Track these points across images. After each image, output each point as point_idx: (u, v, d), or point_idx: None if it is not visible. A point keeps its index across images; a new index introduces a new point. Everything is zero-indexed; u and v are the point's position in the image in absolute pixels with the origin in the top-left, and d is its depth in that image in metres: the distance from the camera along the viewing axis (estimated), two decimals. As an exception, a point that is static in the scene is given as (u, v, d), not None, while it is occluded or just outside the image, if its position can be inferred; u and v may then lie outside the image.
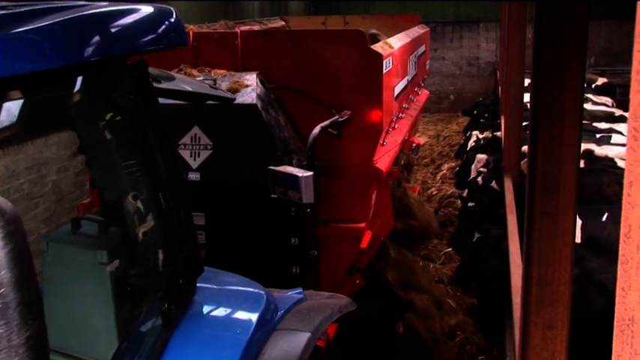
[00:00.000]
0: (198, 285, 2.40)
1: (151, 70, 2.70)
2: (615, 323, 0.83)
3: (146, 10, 2.15)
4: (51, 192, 6.34)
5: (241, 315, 2.43)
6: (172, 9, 2.24)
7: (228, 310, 2.44)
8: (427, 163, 12.79)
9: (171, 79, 2.81)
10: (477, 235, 6.77)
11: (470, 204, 7.96)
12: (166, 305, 2.14)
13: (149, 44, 2.13)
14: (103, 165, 2.22)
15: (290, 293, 2.74)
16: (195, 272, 2.34)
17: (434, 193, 10.52)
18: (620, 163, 7.13)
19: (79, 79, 2.05)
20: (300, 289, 2.80)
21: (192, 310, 2.29)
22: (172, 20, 2.21)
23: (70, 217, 5.93)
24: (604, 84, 13.83)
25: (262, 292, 2.50)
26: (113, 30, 1.98)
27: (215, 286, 2.53)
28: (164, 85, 2.64)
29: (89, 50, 1.88)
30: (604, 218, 5.32)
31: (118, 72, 2.09)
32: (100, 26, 1.95)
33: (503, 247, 5.97)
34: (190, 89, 3.02)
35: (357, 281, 4.95)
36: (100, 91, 2.07)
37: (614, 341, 0.84)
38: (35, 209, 6.19)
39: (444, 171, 11.80)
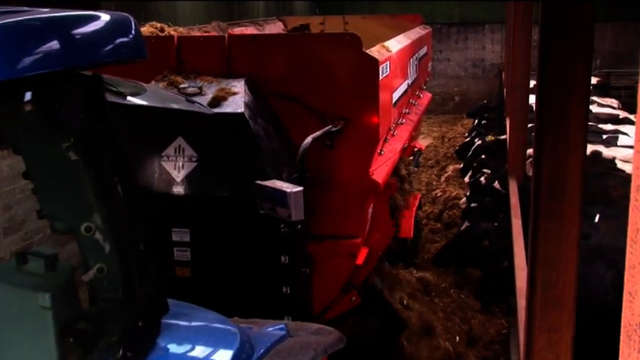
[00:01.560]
0: (163, 321, 2.15)
1: (120, 81, 2.44)
2: (622, 328, 0.82)
3: (99, 18, 1.90)
4: (56, 192, 6.20)
5: (211, 358, 2.18)
6: (130, 17, 1.99)
7: (196, 353, 2.18)
8: (432, 164, 12.65)
9: (141, 92, 2.55)
10: (465, 224, 6.70)
11: (472, 204, 7.88)
12: (121, 352, 1.89)
13: (103, 57, 1.87)
14: (51, 193, 1.97)
15: (271, 329, 2.48)
16: (158, 312, 2.09)
17: (438, 194, 10.35)
18: (621, 165, 7.08)
19: (21, 96, 1.81)
20: (282, 325, 2.53)
21: (155, 354, 2.04)
22: (130, 30, 1.95)
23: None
24: (599, 82, 13.87)
25: (236, 332, 2.24)
26: (61, 40, 1.73)
27: (182, 324, 2.27)
28: (130, 101, 2.39)
29: (31, 62, 1.63)
30: (596, 220, 5.44)
31: (66, 88, 1.84)
32: (44, 35, 1.69)
33: (490, 240, 6.15)
34: (161, 105, 2.74)
35: (354, 298, 4.72)
36: (45, 110, 1.82)
37: (620, 346, 0.83)
38: (40, 209, 6.05)
39: (449, 172, 11.62)
